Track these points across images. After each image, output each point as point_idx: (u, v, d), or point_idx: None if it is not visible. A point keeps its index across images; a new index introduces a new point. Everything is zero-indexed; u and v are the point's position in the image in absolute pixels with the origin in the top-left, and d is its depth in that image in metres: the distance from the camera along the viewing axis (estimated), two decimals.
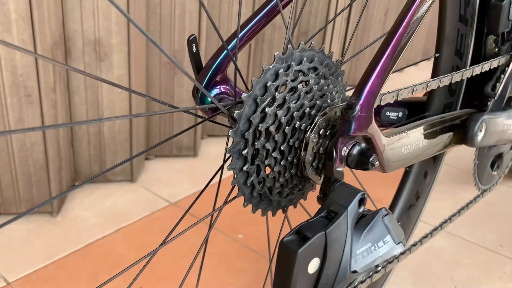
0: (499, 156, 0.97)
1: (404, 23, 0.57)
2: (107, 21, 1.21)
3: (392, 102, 0.64)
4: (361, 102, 0.54)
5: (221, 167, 0.63)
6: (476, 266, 1.15)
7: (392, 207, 0.93)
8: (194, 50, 0.68)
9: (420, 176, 0.93)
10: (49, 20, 1.08)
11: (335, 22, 2.05)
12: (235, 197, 0.57)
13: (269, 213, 0.62)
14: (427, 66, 0.92)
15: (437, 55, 0.88)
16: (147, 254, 0.54)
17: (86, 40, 1.22)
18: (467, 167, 1.63)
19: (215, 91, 0.71)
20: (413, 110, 0.90)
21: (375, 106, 0.60)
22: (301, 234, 0.49)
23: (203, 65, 0.70)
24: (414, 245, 0.85)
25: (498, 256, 1.19)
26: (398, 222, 0.58)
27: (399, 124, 0.89)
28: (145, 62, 1.41)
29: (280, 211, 0.64)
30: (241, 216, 1.25)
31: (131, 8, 1.22)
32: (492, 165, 0.97)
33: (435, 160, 0.92)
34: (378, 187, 1.45)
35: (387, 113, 0.90)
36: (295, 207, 0.65)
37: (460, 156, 1.65)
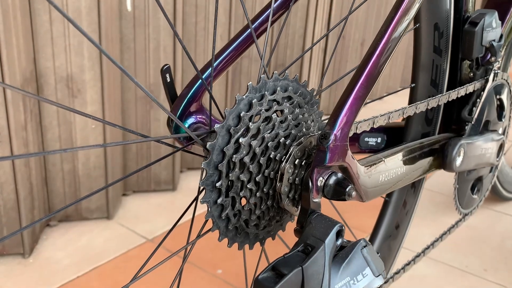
0: (479, 180, 0.97)
1: (377, 52, 0.57)
2: (79, 57, 1.20)
3: (368, 130, 0.63)
4: (335, 131, 0.53)
5: (195, 199, 0.61)
6: None
7: (372, 237, 0.91)
8: (168, 80, 0.67)
9: (399, 205, 0.92)
10: (19, 57, 1.06)
11: (312, 53, 2.07)
12: (208, 230, 0.55)
13: (247, 246, 0.60)
14: (405, 94, 0.92)
15: (413, 85, 0.88)
16: None
17: (58, 76, 1.20)
18: (449, 192, 1.63)
19: (190, 120, 0.70)
20: (392, 136, 0.90)
21: (351, 134, 0.59)
22: (277, 270, 0.47)
23: (178, 94, 0.69)
24: (397, 273, 0.84)
25: (481, 281, 1.17)
26: (378, 253, 0.56)
27: (378, 150, 0.88)
28: (120, 97, 1.39)
29: (258, 243, 0.62)
30: (220, 250, 1.22)
31: (103, 44, 1.21)
32: (472, 189, 0.97)
33: (414, 189, 0.91)
34: (359, 215, 1.44)
35: (366, 139, 0.89)
36: (273, 239, 0.63)
37: (442, 181, 1.65)
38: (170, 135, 0.63)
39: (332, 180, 0.55)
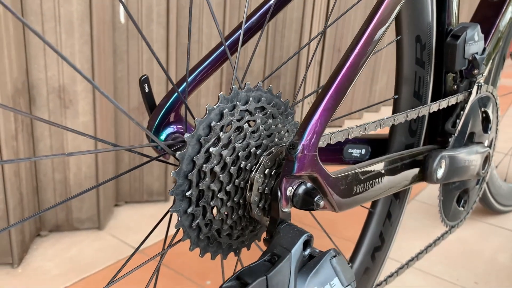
0: (465, 192, 0.97)
1: (347, 65, 0.57)
2: (71, 68, 1.20)
3: (343, 140, 0.63)
4: (303, 142, 0.53)
5: (169, 210, 0.61)
6: None
7: (356, 249, 0.91)
8: (147, 90, 0.68)
9: (383, 216, 0.91)
10: (10, 68, 1.08)
11: (309, 66, 2.08)
12: (179, 241, 0.55)
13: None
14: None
15: (396, 96, 0.88)
16: None
17: (50, 87, 1.21)
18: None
19: (169, 130, 0.71)
20: (376, 147, 0.90)
21: (324, 145, 0.60)
22: (242, 279, 0.47)
23: (156, 104, 0.70)
24: (378, 285, 0.83)
25: None
26: (349, 263, 0.56)
27: (362, 161, 0.88)
28: (113, 108, 1.40)
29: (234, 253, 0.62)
30: (209, 261, 1.22)
31: (95, 56, 1.22)
32: (458, 201, 0.96)
33: (399, 200, 0.91)
34: (349, 227, 1.44)
35: (350, 150, 0.89)
36: (248, 249, 0.64)
37: (434, 193, 1.65)
38: (143, 144, 0.64)
39: (301, 189, 0.55)
